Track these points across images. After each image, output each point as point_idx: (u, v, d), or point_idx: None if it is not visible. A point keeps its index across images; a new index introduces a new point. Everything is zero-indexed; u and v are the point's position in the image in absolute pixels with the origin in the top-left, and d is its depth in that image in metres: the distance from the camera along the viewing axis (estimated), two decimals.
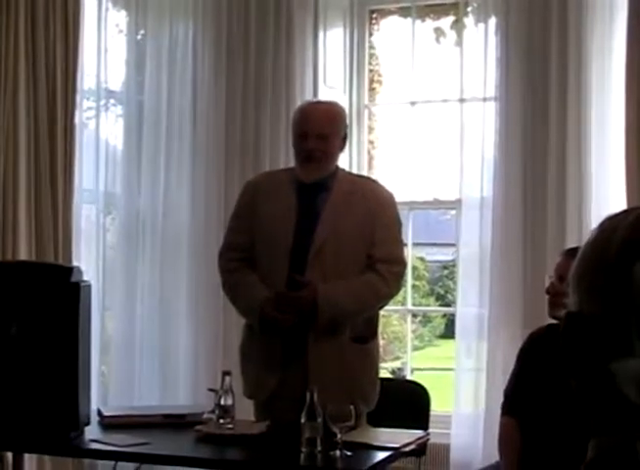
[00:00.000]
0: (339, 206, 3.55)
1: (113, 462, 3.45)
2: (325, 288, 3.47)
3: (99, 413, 3.56)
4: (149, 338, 5.11)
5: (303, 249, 3.51)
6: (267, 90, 5.15)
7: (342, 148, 3.71)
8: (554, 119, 4.66)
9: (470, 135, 4.91)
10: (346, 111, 4.20)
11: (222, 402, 3.28)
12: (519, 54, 4.74)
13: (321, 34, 5.26)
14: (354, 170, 4.96)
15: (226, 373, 3.34)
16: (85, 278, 3.40)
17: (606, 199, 4.59)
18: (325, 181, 3.59)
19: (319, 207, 3.56)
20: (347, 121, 3.87)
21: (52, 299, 3.21)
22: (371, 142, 5.46)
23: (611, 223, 1.20)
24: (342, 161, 3.96)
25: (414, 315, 6.84)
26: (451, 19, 5.33)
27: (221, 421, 3.27)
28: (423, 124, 5.25)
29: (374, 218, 3.56)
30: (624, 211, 1.22)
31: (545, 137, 4.67)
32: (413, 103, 5.28)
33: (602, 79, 4.65)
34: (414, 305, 5.81)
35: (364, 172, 5.15)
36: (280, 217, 3.55)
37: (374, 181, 3.83)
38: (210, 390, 3.46)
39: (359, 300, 3.54)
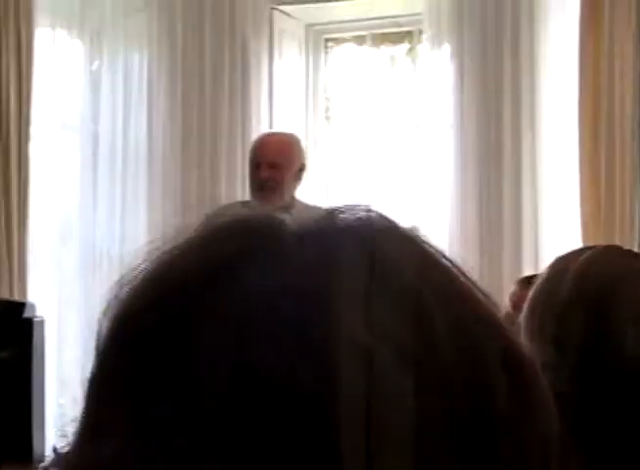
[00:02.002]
0: None
1: None
2: None
3: (54, 450, 3.48)
4: None
5: None
6: (223, 118, 5.14)
7: (298, 179, 3.71)
8: (508, 144, 4.70)
9: (426, 162, 4.93)
10: (302, 139, 4.20)
11: None
12: (473, 79, 4.77)
13: (276, 62, 5.26)
14: (311, 199, 4.94)
15: None
16: (39, 313, 3.36)
17: (561, 226, 4.62)
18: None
19: None
20: (305, 150, 3.87)
21: (3, 335, 3.17)
22: (327, 170, 5.44)
23: (561, 264, 1.20)
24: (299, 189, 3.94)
25: None
26: (406, 46, 5.35)
27: None
28: (379, 151, 5.26)
29: None
30: (573, 252, 1.22)
31: (500, 162, 4.71)
32: (368, 129, 5.29)
33: (555, 103, 4.69)
34: None
35: (321, 200, 5.13)
36: None
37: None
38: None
39: None
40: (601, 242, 4.21)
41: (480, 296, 0.54)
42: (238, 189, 5.01)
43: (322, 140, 5.43)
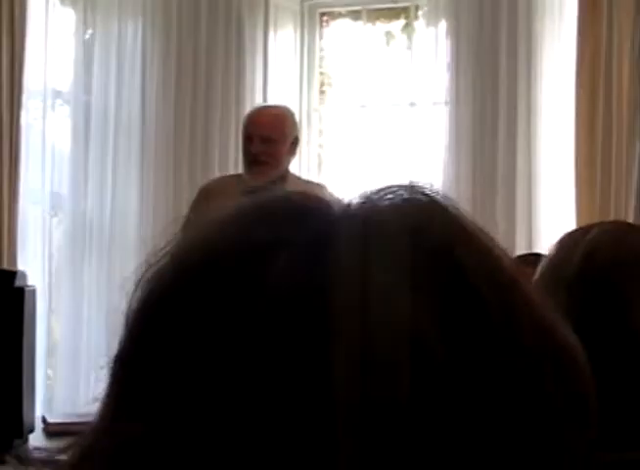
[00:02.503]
0: None
1: None
2: None
3: (43, 420, 3.47)
4: (96, 342, 5.01)
5: None
6: (217, 91, 5.09)
7: (291, 153, 3.70)
8: (503, 123, 4.67)
9: (420, 139, 4.90)
10: (297, 113, 4.20)
11: None
12: (469, 58, 4.74)
13: (271, 36, 5.23)
14: (304, 173, 4.93)
15: None
16: (30, 282, 3.34)
17: (555, 202, 4.61)
18: (272, 187, 3.53)
19: None
20: (299, 124, 3.85)
21: None
22: (320, 146, 5.44)
23: (571, 239, 1.20)
24: (293, 163, 3.94)
25: None
26: (402, 22, 5.32)
27: None
28: (373, 128, 5.23)
29: None
30: (582, 229, 1.22)
31: (495, 141, 4.68)
32: (363, 106, 5.26)
33: (552, 83, 4.66)
34: None
35: (313, 175, 5.13)
36: None
37: (322, 187, 3.80)
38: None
39: None
40: (595, 213, 4.21)
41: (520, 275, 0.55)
42: (230, 161, 4.99)
43: (316, 115, 5.40)
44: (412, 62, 5.05)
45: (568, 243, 1.20)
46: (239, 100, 5.08)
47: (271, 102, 4.85)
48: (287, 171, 3.72)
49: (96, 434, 0.53)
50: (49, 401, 4.85)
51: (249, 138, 3.64)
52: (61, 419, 3.53)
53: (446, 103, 4.79)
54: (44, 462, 3.13)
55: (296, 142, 3.74)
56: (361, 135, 5.23)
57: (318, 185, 3.99)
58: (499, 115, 4.69)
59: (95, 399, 0.56)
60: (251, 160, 3.63)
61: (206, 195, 3.71)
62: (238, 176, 3.83)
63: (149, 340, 0.53)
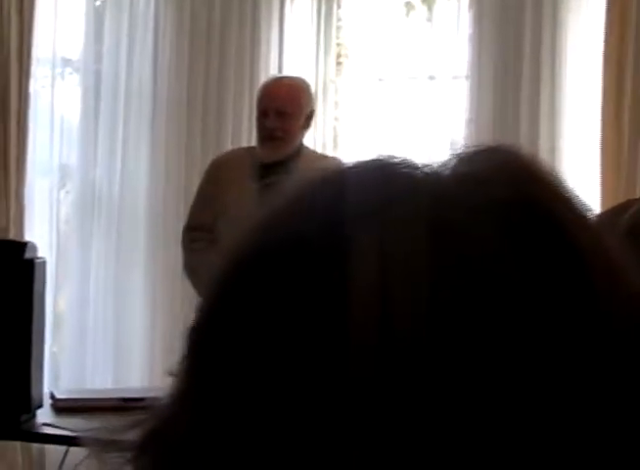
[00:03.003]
0: None
1: (64, 448, 3.33)
2: None
3: (51, 396, 3.44)
4: (103, 316, 4.97)
5: None
6: (231, 61, 5.00)
7: (306, 126, 3.66)
8: (526, 99, 4.57)
9: (439, 114, 4.81)
10: (312, 85, 4.15)
11: None
12: (492, 30, 4.64)
13: (287, 5, 5.11)
14: (319, 147, 4.84)
15: None
16: (39, 254, 3.27)
17: (578, 179, 4.50)
18: (287, 161, 3.54)
19: None
20: (315, 96, 3.80)
21: (4, 276, 3.06)
22: (336, 118, 5.34)
23: (609, 215, 1.16)
24: (308, 136, 3.89)
25: None
26: None
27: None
28: (390, 101, 5.13)
29: None
30: (613, 209, 1.20)
31: (517, 118, 4.59)
32: (380, 79, 5.16)
33: (577, 56, 4.55)
34: None
35: (329, 148, 5.04)
36: (242, 200, 3.49)
37: (338, 161, 3.71)
38: (171, 374, 3.36)
39: None
40: (621, 194, 4.12)
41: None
42: (244, 133, 4.90)
43: (332, 87, 5.28)
44: (432, 33, 4.96)
45: (606, 218, 1.13)
46: (253, 71, 4.99)
47: (286, 73, 4.77)
48: (301, 145, 3.67)
49: (169, 409, 0.51)
50: (54, 378, 4.79)
51: (264, 112, 3.60)
52: (69, 395, 3.53)
53: (467, 77, 4.71)
54: (53, 438, 3.06)
55: (310, 115, 3.69)
56: (378, 108, 5.14)
57: (333, 159, 3.93)
58: (521, 89, 4.59)
59: (168, 373, 0.54)
60: (267, 135, 3.58)
61: (218, 168, 3.70)
62: (250, 149, 3.79)
63: (229, 311, 0.50)
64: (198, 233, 3.63)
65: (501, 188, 0.50)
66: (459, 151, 0.53)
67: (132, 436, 0.53)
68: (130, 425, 0.53)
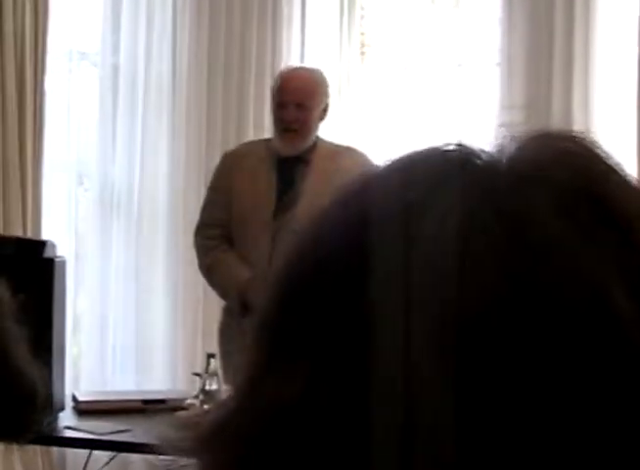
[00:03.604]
0: (318, 180, 3.50)
1: (86, 452, 3.29)
2: None
3: (74, 398, 3.42)
4: (123, 317, 4.92)
5: (285, 225, 3.48)
6: (252, 52, 4.94)
7: (322, 118, 3.69)
8: (559, 86, 4.49)
9: (469, 103, 4.76)
10: (335, 75, 4.22)
11: (207, 387, 3.18)
12: (523, 15, 4.55)
13: None
14: (342, 135, 4.74)
15: (211, 355, 3.26)
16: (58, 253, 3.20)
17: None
18: (304, 154, 3.59)
19: (298, 181, 3.57)
20: (337, 87, 3.74)
21: (23, 276, 2.95)
22: (360, 108, 5.24)
23: None
24: (331, 127, 3.94)
25: None
26: None
27: (205, 407, 3.13)
28: (415, 91, 5.06)
29: None
30: None
31: (549, 106, 4.50)
32: (405, 68, 5.08)
33: (611, 41, 4.46)
34: None
35: (353, 139, 4.94)
36: (259, 193, 3.55)
37: (352, 150, 3.74)
38: (195, 374, 3.36)
39: None
40: None
41: None
42: (266, 126, 4.80)
43: (356, 77, 5.20)
44: (460, 19, 4.91)
45: None
46: (274, 61, 4.92)
47: (308, 63, 4.71)
48: (317, 138, 3.69)
49: (237, 402, 0.53)
50: (75, 380, 4.73)
51: (281, 104, 3.61)
52: (91, 397, 3.52)
53: (497, 64, 4.65)
54: (76, 441, 2.96)
55: (327, 107, 3.70)
56: (402, 98, 5.07)
57: (347, 149, 3.92)
58: (554, 76, 4.50)
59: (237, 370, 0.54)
60: (283, 127, 3.60)
61: (232, 162, 3.72)
62: (265, 142, 3.80)
63: (298, 305, 0.52)
64: (212, 230, 3.64)
65: (563, 175, 0.51)
66: (514, 137, 0.54)
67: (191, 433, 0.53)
68: (185, 424, 0.55)
